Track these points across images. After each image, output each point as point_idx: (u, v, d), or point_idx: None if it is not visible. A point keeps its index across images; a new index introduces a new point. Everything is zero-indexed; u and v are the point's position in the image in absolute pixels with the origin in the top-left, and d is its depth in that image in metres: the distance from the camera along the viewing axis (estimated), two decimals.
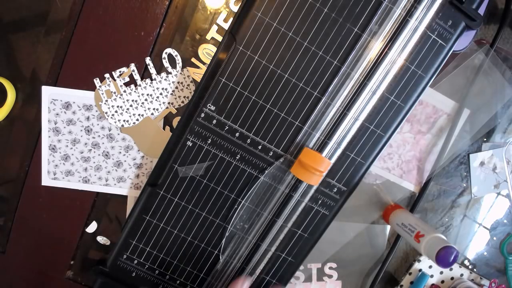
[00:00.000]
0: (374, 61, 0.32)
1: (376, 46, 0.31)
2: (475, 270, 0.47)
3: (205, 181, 0.35)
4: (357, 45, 0.32)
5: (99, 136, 0.39)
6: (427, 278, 0.45)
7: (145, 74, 0.38)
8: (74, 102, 0.38)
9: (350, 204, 0.43)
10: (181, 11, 0.37)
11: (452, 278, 0.46)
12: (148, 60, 0.37)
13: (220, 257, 0.36)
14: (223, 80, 0.32)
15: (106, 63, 0.37)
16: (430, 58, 0.32)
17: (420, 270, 0.45)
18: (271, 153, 0.34)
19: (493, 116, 0.43)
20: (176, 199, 0.35)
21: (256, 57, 0.32)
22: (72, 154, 0.39)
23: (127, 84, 0.38)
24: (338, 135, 0.33)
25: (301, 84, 0.32)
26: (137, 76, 0.38)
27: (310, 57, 0.32)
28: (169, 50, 0.38)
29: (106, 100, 0.38)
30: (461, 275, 0.46)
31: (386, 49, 0.31)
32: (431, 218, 0.45)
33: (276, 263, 0.37)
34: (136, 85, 0.38)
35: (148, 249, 0.36)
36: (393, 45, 0.31)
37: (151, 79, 0.38)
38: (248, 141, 0.34)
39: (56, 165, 0.40)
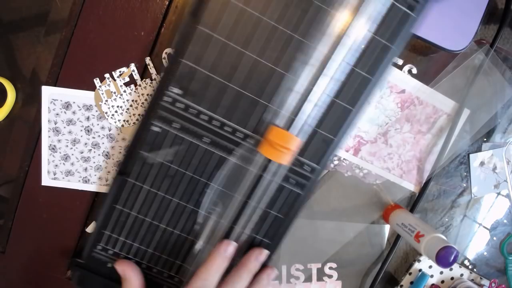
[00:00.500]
0: (338, 33, 0.31)
1: (339, 18, 0.30)
2: (475, 270, 0.47)
3: (174, 166, 0.34)
4: (320, 18, 0.31)
5: (99, 136, 0.39)
6: (427, 278, 0.45)
7: (145, 74, 0.38)
8: (74, 102, 0.38)
9: (350, 204, 0.43)
10: (181, 11, 0.37)
11: (452, 278, 0.46)
12: (148, 60, 0.37)
13: (195, 243, 0.36)
14: (186, 61, 0.31)
15: (106, 63, 0.37)
16: (396, 27, 0.31)
17: (420, 270, 0.45)
18: (239, 134, 0.33)
19: (493, 116, 0.43)
20: (146, 186, 0.34)
21: (217, 36, 0.31)
22: (72, 154, 0.39)
23: (127, 84, 0.38)
24: (305, 112, 0.32)
25: (264, 61, 0.31)
26: (137, 76, 0.38)
27: (272, 32, 0.31)
28: (169, 50, 0.38)
29: (106, 100, 0.38)
30: (461, 275, 0.46)
31: (350, 21, 0.30)
32: (431, 218, 0.45)
33: (253, 246, 0.36)
34: (136, 85, 0.38)
35: (122, 238, 0.36)
36: (357, 17, 0.30)
37: (151, 79, 0.38)
38: (215, 122, 0.33)
39: (56, 165, 0.40)
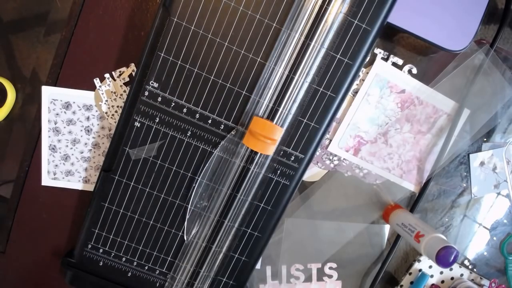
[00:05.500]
0: (313, 18, 0.30)
1: (314, 2, 0.30)
2: (475, 270, 0.47)
3: (158, 161, 0.34)
4: (294, 3, 0.30)
5: (99, 136, 0.39)
6: (427, 278, 0.45)
7: None
8: (74, 102, 0.38)
9: (350, 204, 0.43)
10: None
11: (452, 278, 0.46)
12: None
13: (185, 238, 0.36)
14: (162, 54, 0.31)
15: (106, 63, 0.37)
16: (373, 9, 0.31)
17: (420, 270, 0.45)
18: (222, 126, 0.33)
19: (493, 116, 0.43)
20: (132, 183, 0.34)
21: (193, 27, 0.31)
22: (72, 154, 0.39)
23: (127, 84, 0.38)
24: (287, 101, 0.32)
25: (242, 51, 0.31)
26: None
27: (248, 22, 0.31)
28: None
29: (106, 100, 0.38)
30: (461, 275, 0.46)
31: (325, 5, 0.30)
32: (431, 218, 0.45)
33: (243, 239, 0.36)
34: None
35: (111, 236, 0.36)
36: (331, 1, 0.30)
37: None
38: (197, 116, 0.33)
39: (56, 165, 0.40)
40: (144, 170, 0.34)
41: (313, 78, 0.32)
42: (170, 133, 0.33)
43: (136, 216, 0.35)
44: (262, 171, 0.34)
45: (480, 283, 0.46)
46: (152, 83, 0.32)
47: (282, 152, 0.34)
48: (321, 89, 0.32)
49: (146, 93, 0.32)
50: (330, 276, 0.44)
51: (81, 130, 0.39)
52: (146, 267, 0.37)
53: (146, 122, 0.33)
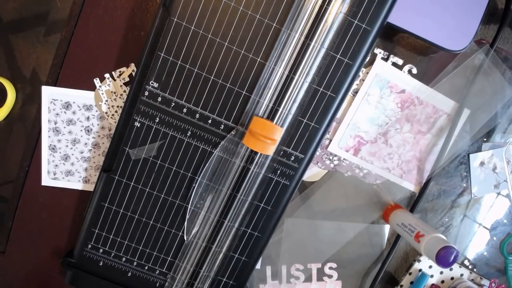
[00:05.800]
0: (313, 18, 0.30)
1: (314, 2, 0.30)
2: (475, 270, 0.47)
3: (159, 161, 0.34)
4: (294, 3, 0.30)
5: (99, 136, 0.39)
6: (427, 278, 0.45)
7: None
8: (74, 102, 0.38)
9: (350, 204, 0.43)
10: None
11: (452, 278, 0.46)
12: None
13: (185, 238, 0.36)
14: (162, 54, 0.31)
15: (106, 63, 0.37)
16: (373, 9, 0.31)
17: (420, 270, 0.45)
18: (222, 126, 0.33)
19: (493, 116, 0.43)
20: (132, 183, 0.35)
21: (193, 27, 0.31)
22: (72, 154, 0.39)
23: (127, 84, 0.38)
24: (287, 101, 0.32)
25: (242, 51, 0.31)
26: None
27: (248, 22, 0.31)
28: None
29: (106, 100, 0.38)
30: (461, 275, 0.46)
31: (325, 5, 0.30)
32: (431, 218, 0.45)
33: (243, 239, 0.37)
34: None
35: (111, 236, 0.36)
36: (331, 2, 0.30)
37: None
38: (197, 116, 0.33)
39: (56, 165, 0.40)
40: (144, 170, 0.34)
41: (313, 78, 0.32)
42: (170, 133, 0.33)
43: (136, 216, 0.36)
44: (262, 171, 0.34)
45: (480, 283, 0.46)
46: (152, 83, 0.32)
47: (282, 152, 0.34)
48: (321, 89, 0.33)
49: (146, 93, 0.32)
50: (330, 276, 0.44)
51: (81, 130, 0.39)
52: (146, 267, 0.37)
53: (146, 122, 0.33)
